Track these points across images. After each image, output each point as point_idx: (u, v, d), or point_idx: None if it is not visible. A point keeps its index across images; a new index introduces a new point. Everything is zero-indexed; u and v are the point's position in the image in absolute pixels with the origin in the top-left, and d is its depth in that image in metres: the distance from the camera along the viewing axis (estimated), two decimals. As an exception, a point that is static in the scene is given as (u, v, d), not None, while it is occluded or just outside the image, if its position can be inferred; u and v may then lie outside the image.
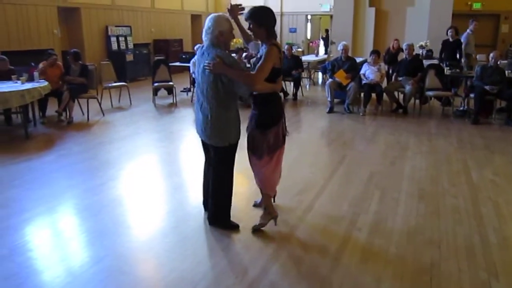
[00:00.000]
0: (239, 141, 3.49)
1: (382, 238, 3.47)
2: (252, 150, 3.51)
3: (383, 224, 3.72)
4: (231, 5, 3.55)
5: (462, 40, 9.44)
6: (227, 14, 3.47)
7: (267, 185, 3.60)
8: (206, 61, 3.21)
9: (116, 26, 12.85)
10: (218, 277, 2.91)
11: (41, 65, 7.56)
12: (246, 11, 3.40)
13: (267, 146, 3.44)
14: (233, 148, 3.46)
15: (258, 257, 3.15)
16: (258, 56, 3.38)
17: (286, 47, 10.17)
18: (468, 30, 9.76)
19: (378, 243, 3.39)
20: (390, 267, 3.04)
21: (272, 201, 3.76)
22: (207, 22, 3.29)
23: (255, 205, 4.04)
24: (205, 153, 3.74)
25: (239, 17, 3.63)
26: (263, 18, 3.32)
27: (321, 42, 18.48)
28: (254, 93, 3.35)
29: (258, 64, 3.25)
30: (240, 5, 3.53)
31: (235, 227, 3.61)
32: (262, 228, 3.58)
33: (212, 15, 3.34)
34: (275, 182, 3.70)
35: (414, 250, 3.29)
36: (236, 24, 3.63)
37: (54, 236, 3.56)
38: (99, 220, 3.78)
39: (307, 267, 3.04)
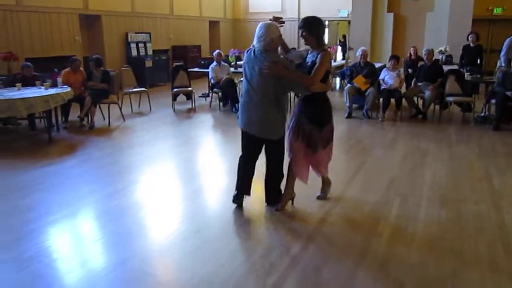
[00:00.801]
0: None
1: (403, 244, 3.46)
2: (308, 144, 3.92)
3: (404, 230, 3.71)
4: (274, 17, 4.00)
5: (504, 45, 9.24)
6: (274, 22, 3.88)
7: (322, 172, 4.23)
8: (265, 65, 3.63)
9: (136, 33, 13.06)
10: (241, 280, 2.93)
11: (63, 73, 7.73)
12: (298, 22, 3.97)
13: (323, 141, 3.94)
14: (282, 140, 3.96)
15: (279, 263, 3.16)
16: (309, 61, 3.81)
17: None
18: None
19: (399, 249, 3.37)
20: (411, 274, 3.03)
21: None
22: (258, 30, 3.71)
23: (319, 198, 4.38)
24: (251, 148, 4.04)
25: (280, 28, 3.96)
26: (315, 27, 3.79)
27: (339, 48, 18.46)
28: (307, 93, 3.82)
29: (315, 67, 3.68)
30: (281, 18, 4.00)
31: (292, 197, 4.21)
32: (285, 235, 3.61)
33: (263, 23, 3.74)
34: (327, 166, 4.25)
35: (436, 256, 3.27)
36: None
37: (78, 239, 3.64)
38: (121, 224, 3.84)
39: (328, 274, 3.04)
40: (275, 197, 4.15)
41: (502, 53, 9.34)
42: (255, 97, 3.79)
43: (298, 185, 4.40)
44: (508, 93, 7.35)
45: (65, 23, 10.86)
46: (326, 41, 17.46)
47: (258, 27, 3.74)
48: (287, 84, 3.74)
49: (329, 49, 3.93)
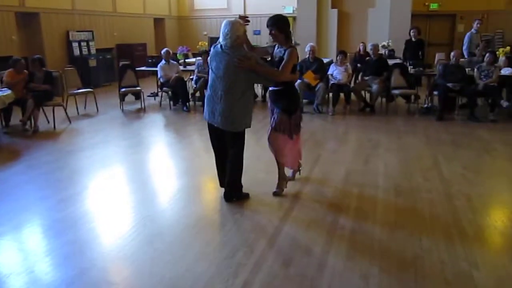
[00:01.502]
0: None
1: (364, 235, 3.54)
2: (283, 131, 4.22)
3: (365, 221, 3.80)
4: (240, 16, 4.09)
5: (465, 40, 9.80)
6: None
7: (296, 159, 4.59)
8: (236, 59, 3.79)
9: (78, 31, 12.53)
10: (209, 283, 2.89)
11: (6, 73, 7.29)
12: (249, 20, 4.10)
13: (293, 126, 4.25)
14: (244, 132, 4.10)
15: (245, 262, 3.14)
16: (277, 56, 4.10)
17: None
18: (472, 30, 10.07)
19: (361, 240, 3.45)
20: (376, 263, 3.11)
21: (298, 174, 4.84)
22: (223, 28, 3.86)
23: (289, 179, 4.66)
24: (217, 140, 4.21)
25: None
26: (284, 25, 4.02)
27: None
28: (277, 87, 4.15)
29: (284, 62, 3.95)
30: (247, 17, 4.12)
31: (247, 196, 4.29)
32: (248, 234, 3.59)
33: (227, 21, 3.90)
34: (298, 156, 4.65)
35: (397, 244, 3.38)
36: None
37: (29, 252, 3.43)
38: (75, 233, 3.67)
39: (294, 271, 3.04)
40: (233, 192, 4.21)
41: (465, 47, 9.89)
42: (220, 90, 3.93)
43: (252, 183, 4.43)
44: (449, 84, 7.73)
45: (0, 21, 10.21)
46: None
47: (223, 25, 3.88)
48: (257, 77, 3.96)
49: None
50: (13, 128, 7.45)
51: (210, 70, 4.04)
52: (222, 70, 3.90)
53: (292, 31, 17.62)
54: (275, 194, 4.36)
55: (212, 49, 4.08)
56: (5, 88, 6.84)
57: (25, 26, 11.37)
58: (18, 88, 7.24)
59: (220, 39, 3.92)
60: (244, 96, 3.94)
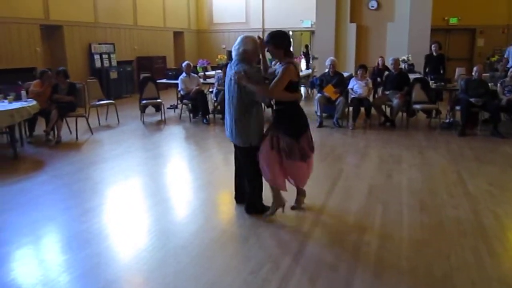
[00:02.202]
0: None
1: (391, 252, 3.48)
2: (287, 155, 3.91)
3: (391, 237, 3.74)
4: (259, 38, 4.03)
5: (506, 55, 9.68)
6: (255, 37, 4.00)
7: (302, 181, 4.22)
8: (232, 73, 3.85)
9: (100, 44, 12.75)
10: (235, 297, 2.86)
11: (33, 84, 7.46)
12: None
13: (301, 151, 3.94)
14: (254, 149, 3.98)
15: (271, 278, 3.11)
16: (276, 72, 3.85)
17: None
18: None
19: (387, 257, 3.39)
20: (404, 281, 3.05)
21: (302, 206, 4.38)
22: (236, 41, 3.92)
23: (293, 208, 4.33)
24: (235, 153, 4.30)
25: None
26: (280, 40, 3.86)
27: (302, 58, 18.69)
28: (278, 107, 3.95)
29: (275, 79, 3.77)
30: (261, 38, 4.02)
31: (265, 210, 4.16)
32: (273, 249, 3.55)
33: (242, 35, 3.94)
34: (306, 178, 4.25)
35: (425, 262, 3.31)
36: (261, 54, 4.13)
37: (54, 262, 3.45)
38: (101, 245, 3.68)
39: (323, 283, 3.01)
40: (249, 206, 4.21)
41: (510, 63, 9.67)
42: (227, 104, 4.03)
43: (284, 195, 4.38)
44: (472, 99, 7.64)
45: (25, 33, 10.46)
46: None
47: (237, 38, 3.97)
48: (250, 93, 3.84)
49: (296, 60, 3.94)
50: (36, 138, 7.57)
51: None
52: (226, 84, 4.02)
53: (309, 45, 17.74)
54: (293, 208, 4.31)
55: (228, 66, 4.16)
56: (31, 99, 6.96)
57: (49, 38, 11.63)
58: (43, 99, 7.38)
59: (232, 54, 4.00)
60: (248, 112, 3.89)
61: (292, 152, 3.91)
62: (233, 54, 3.95)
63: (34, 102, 6.79)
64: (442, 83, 8.79)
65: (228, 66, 4.10)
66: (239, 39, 3.93)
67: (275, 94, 3.80)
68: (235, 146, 4.19)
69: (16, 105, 6.42)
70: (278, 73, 3.83)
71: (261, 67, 4.18)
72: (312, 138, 4.16)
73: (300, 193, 4.34)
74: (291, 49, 4.07)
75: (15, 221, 4.13)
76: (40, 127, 7.67)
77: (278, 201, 4.11)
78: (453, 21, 15.06)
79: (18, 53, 10.28)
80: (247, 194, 4.22)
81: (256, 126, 3.97)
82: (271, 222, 4.06)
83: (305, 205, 4.37)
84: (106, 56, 12.92)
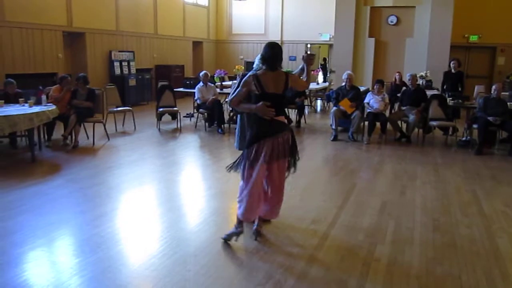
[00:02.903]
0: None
1: (401, 269, 3.45)
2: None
3: (401, 254, 3.70)
4: (307, 54, 4.05)
5: None
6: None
7: (239, 205, 3.85)
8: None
9: (120, 51, 12.97)
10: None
11: (53, 89, 7.63)
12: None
13: (242, 164, 3.77)
14: (243, 153, 3.82)
15: (280, 288, 3.11)
16: None
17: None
18: None
19: (398, 274, 3.36)
20: (413, 300, 3.02)
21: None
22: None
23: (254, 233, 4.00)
24: None
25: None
26: (262, 52, 3.76)
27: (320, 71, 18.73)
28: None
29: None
30: (313, 54, 4.07)
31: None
32: (281, 262, 3.56)
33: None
34: (246, 207, 3.76)
35: (435, 281, 3.27)
36: (307, 70, 4.04)
37: (66, 265, 3.50)
38: (111, 249, 3.73)
39: (331, 298, 3.00)
40: None
41: None
42: None
43: (287, 208, 4.39)
44: (490, 118, 7.55)
45: (48, 39, 10.70)
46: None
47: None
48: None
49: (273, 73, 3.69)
50: (54, 142, 7.71)
51: None
52: None
53: (327, 58, 17.75)
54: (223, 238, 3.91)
55: None
56: (50, 104, 7.10)
57: (71, 44, 11.88)
58: (62, 104, 7.53)
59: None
60: (244, 118, 4.17)
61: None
62: (256, 63, 4.10)
63: (54, 107, 6.93)
64: (460, 101, 8.72)
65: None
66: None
67: (232, 103, 3.79)
68: None
69: (36, 109, 6.56)
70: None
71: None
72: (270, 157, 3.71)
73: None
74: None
75: (30, 223, 4.20)
76: (58, 132, 7.81)
77: (237, 226, 3.90)
78: (474, 38, 14.96)
79: (40, 59, 10.52)
80: None
81: (242, 133, 4.21)
82: (281, 234, 4.06)
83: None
84: (126, 63, 13.13)
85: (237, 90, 3.75)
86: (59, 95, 7.58)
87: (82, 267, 3.37)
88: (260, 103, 3.59)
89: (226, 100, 10.45)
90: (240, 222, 3.88)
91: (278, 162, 3.74)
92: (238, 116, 4.18)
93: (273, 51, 3.69)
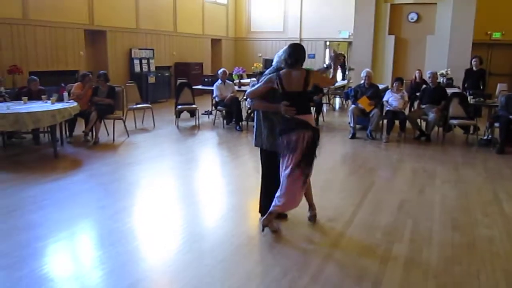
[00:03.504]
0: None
1: (419, 268, 3.43)
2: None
3: (419, 253, 3.68)
4: (335, 53, 4.17)
5: None
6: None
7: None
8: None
9: (140, 49, 13.12)
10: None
11: (75, 86, 7.79)
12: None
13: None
14: (269, 154, 4.10)
15: (294, 287, 3.12)
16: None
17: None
18: None
19: (415, 274, 3.34)
20: (430, 299, 3.00)
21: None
22: (281, 50, 4.02)
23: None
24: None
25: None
26: (283, 53, 3.93)
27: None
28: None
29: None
30: (343, 54, 4.08)
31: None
32: (297, 258, 3.57)
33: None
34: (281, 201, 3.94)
35: (453, 281, 3.25)
36: (334, 68, 4.16)
37: (86, 258, 3.58)
38: (130, 244, 3.80)
39: (347, 296, 3.00)
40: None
41: None
42: None
43: (303, 205, 4.39)
44: (512, 117, 7.41)
45: (71, 37, 10.90)
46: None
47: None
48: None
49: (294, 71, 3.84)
50: (75, 138, 7.86)
51: None
52: None
53: (346, 56, 17.63)
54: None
55: None
56: (72, 100, 7.24)
57: (93, 42, 12.07)
58: (84, 101, 7.67)
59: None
60: (260, 114, 4.10)
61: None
62: (275, 61, 4.07)
63: (75, 104, 7.06)
64: (481, 99, 8.57)
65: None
66: (284, 48, 4.00)
67: (249, 98, 4.11)
68: None
69: (58, 106, 6.70)
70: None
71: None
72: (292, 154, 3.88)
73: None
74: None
75: (53, 217, 4.31)
76: (80, 128, 7.96)
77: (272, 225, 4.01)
78: (496, 35, 14.66)
79: (63, 56, 10.72)
80: (261, 196, 4.35)
81: (267, 130, 4.05)
82: (298, 231, 4.07)
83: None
84: (146, 61, 13.27)
85: (258, 85, 3.96)
86: (80, 92, 7.73)
87: (102, 260, 3.45)
88: (283, 102, 3.81)
89: (244, 97, 10.50)
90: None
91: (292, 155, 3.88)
92: (255, 113, 4.18)
93: (293, 51, 3.86)
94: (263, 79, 4.01)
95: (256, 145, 4.22)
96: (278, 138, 3.91)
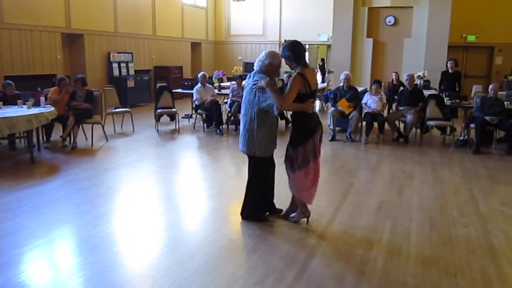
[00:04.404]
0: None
1: (397, 268, 3.48)
2: (288, 163, 4.15)
3: (398, 254, 3.73)
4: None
5: None
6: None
7: (302, 195, 4.17)
8: (255, 79, 3.98)
9: (118, 53, 12.99)
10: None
11: (51, 91, 7.66)
12: None
13: (298, 162, 4.03)
14: (260, 160, 4.15)
15: None
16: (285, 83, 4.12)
17: (285, 76, 10.38)
18: None
19: (394, 273, 3.39)
20: (409, 298, 3.04)
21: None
22: (262, 53, 4.09)
23: (284, 216, 4.42)
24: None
25: None
26: (287, 52, 3.97)
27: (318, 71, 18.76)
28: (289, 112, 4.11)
29: (286, 90, 3.90)
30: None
31: (263, 219, 4.34)
32: (278, 261, 3.58)
33: (268, 50, 4.19)
34: (311, 193, 4.17)
35: (431, 279, 3.30)
36: None
37: (64, 265, 3.52)
38: (110, 249, 3.75)
39: (327, 297, 3.02)
40: (243, 211, 4.38)
41: None
42: (242, 112, 4.18)
43: (284, 208, 4.41)
44: (487, 118, 7.58)
45: (47, 41, 10.73)
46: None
47: (263, 52, 4.14)
48: (265, 102, 3.95)
49: (304, 71, 3.93)
50: (53, 143, 7.73)
51: None
52: (245, 92, 4.13)
53: (325, 59, 17.80)
54: (287, 218, 4.38)
55: (247, 77, 4.28)
56: (49, 105, 7.12)
57: (70, 46, 11.92)
58: (61, 105, 7.55)
59: (255, 65, 4.14)
60: (253, 121, 4.03)
61: (292, 162, 4.09)
62: (256, 64, 4.10)
63: (52, 108, 6.95)
64: (457, 100, 8.75)
65: (248, 76, 4.23)
66: (265, 52, 4.10)
67: (284, 106, 3.90)
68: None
69: (35, 111, 6.58)
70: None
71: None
72: (319, 145, 4.13)
73: (299, 205, 4.28)
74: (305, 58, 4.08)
75: (29, 224, 4.22)
76: (57, 133, 7.83)
77: (304, 212, 4.28)
78: (471, 38, 14.99)
79: (39, 60, 10.54)
80: (244, 203, 4.37)
81: (263, 137, 4.07)
82: (279, 234, 4.08)
83: (311, 222, 4.33)
84: (124, 65, 13.15)
85: (288, 92, 3.85)
86: (57, 97, 7.60)
87: (80, 267, 3.40)
88: (309, 101, 3.96)
89: (225, 101, 10.50)
90: (305, 205, 4.25)
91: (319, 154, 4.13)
92: (247, 121, 4.06)
93: (300, 48, 3.99)
94: (249, 82, 4.06)
95: (247, 153, 4.18)
96: (307, 139, 3.98)
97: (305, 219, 4.31)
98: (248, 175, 4.31)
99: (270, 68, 4.04)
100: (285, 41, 4.30)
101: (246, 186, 4.35)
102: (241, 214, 4.38)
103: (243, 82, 10.57)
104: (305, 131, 4.03)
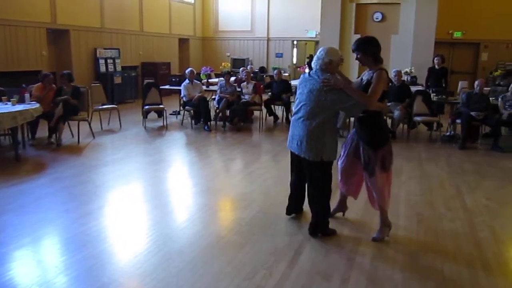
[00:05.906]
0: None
1: (385, 263, 3.50)
2: (364, 167, 3.85)
3: (386, 249, 3.76)
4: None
5: None
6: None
7: (381, 200, 3.90)
8: (322, 79, 3.64)
9: (105, 49, 12.85)
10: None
11: (35, 87, 7.54)
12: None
13: (380, 163, 3.77)
14: (325, 165, 3.83)
15: (264, 285, 3.13)
16: (364, 80, 3.76)
17: (275, 71, 10.38)
18: None
19: (382, 268, 3.41)
20: (397, 292, 3.06)
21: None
22: (320, 50, 3.78)
23: (374, 239, 3.93)
24: (297, 165, 4.11)
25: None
26: (369, 47, 3.75)
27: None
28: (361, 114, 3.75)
29: (372, 86, 3.62)
30: (342, 57, 3.89)
31: (333, 233, 4.01)
32: (267, 257, 3.58)
33: (326, 46, 3.83)
34: (388, 196, 3.96)
35: (419, 273, 3.33)
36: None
37: (51, 264, 3.48)
38: (97, 247, 3.71)
39: (316, 292, 3.03)
40: (314, 228, 3.98)
41: None
42: (301, 116, 3.80)
43: (273, 205, 4.42)
44: (473, 113, 7.66)
45: (32, 37, 10.57)
46: (292, 61, 17.68)
47: (320, 48, 3.84)
48: (343, 104, 3.64)
49: (384, 68, 3.71)
50: (38, 140, 7.62)
51: (297, 96, 3.95)
52: (305, 95, 3.77)
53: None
54: (374, 239, 3.90)
55: (301, 76, 3.99)
56: (33, 102, 7.02)
57: (55, 42, 11.75)
58: (46, 102, 7.44)
59: (313, 63, 3.82)
60: (322, 125, 3.69)
61: (369, 164, 3.80)
62: (315, 62, 3.76)
63: (37, 105, 6.84)
64: (444, 96, 8.83)
65: (302, 78, 3.93)
66: (323, 49, 3.78)
67: (374, 104, 3.61)
68: (299, 160, 3.97)
69: (19, 107, 6.48)
70: (364, 80, 3.75)
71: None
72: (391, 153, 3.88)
73: (383, 222, 3.95)
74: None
75: (15, 222, 4.17)
76: (43, 130, 7.73)
77: (388, 224, 3.96)
78: (458, 35, 15.12)
79: (24, 56, 10.38)
80: (314, 222, 4.00)
81: (332, 140, 3.79)
82: (267, 230, 4.08)
83: (388, 238, 3.96)
84: (111, 61, 13.00)
85: (375, 89, 3.58)
86: (41, 94, 7.48)
87: (67, 265, 3.36)
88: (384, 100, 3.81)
89: (213, 97, 10.46)
90: (387, 218, 3.96)
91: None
92: (312, 123, 3.69)
93: (378, 45, 3.76)
94: (363, 79, 3.75)
95: (314, 159, 3.76)
96: (387, 140, 3.81)
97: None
98: (312, 186, 3.94)
99: (331, 66, 3.71)
100: (362, 36, 3.99)
101: (310, 200, 3.99)
102: (312, 234, 3.96)
103: (231, 79, 10.58)
104: (384, 132, 3.86)
